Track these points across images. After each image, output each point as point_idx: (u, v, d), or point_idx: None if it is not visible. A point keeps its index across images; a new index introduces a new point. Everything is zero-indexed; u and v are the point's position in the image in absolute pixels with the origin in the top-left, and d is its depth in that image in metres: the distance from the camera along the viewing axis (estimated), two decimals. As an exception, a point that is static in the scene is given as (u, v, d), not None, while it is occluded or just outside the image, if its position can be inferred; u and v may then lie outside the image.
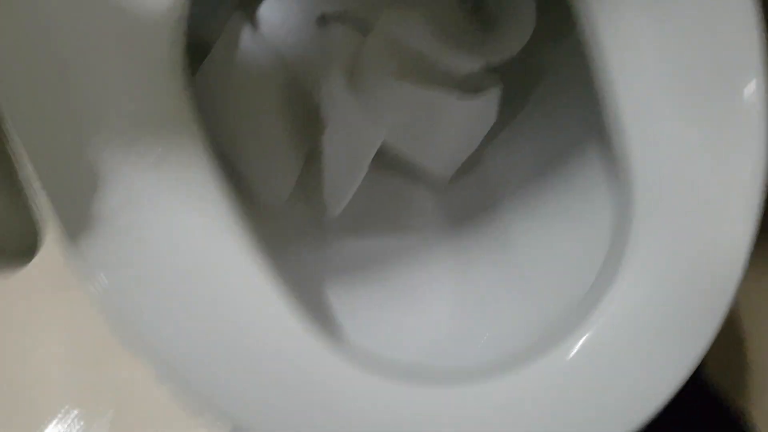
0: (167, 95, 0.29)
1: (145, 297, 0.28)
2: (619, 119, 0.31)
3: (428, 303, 0.41)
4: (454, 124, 0.41)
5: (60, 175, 0.28)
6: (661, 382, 0.30)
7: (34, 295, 0.62)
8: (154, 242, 0.28)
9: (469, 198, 0.45)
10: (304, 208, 0.44)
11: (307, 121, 0.42)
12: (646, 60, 0.30)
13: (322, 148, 0.41)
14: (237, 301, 0.29)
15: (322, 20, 0.42)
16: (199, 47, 0.38)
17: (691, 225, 0.30)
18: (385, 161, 0.43)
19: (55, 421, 0.57)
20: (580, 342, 0.30)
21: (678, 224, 0.30)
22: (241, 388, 0.29)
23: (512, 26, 0.39)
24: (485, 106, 0.40)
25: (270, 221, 0.42)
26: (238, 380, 0.29)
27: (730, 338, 0.56)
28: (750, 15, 0.31)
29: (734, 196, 0.29)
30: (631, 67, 0.30)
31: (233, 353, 0.29)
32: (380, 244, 0.44)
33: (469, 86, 0.43)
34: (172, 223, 0.28)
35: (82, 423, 0.57)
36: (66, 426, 0.56)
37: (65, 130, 0.28)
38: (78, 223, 0.28)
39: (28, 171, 0.28)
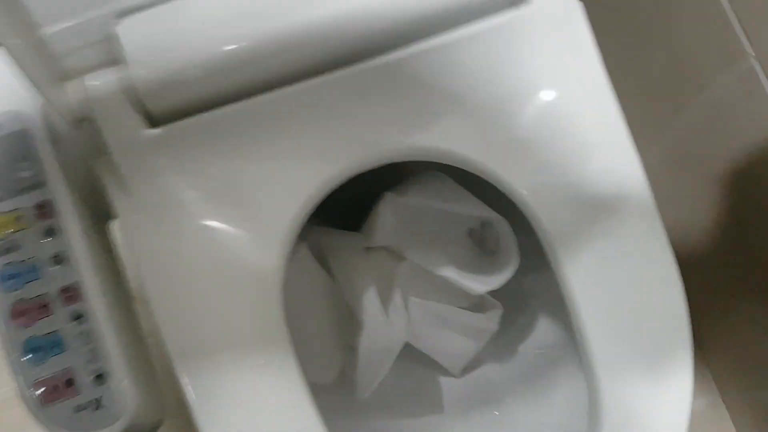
0: (272, 324, 0.42)
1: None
2: (589, 361, 0.43)
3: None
4: (463, 333, 0.54)
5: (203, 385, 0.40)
6: None
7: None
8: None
9: (476, 387, 0.57)
10: (347, 388, 0.55)
11: (349, 325, 0.55)
12: (603, 307, 0.44)
13: (357, 347, 0.53)
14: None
15: (366, 249, 0.56)
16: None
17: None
18: (413, 354, 0.55)
19: None
20: None
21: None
22: None
23: (503, 262, 0.53)
24: (488, 321, 0.53)
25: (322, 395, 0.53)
26: None
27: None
28: (673, 274, 0.44)
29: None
30: (593, 312, 0.44)
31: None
32: (406, 422, 0.55)
33: (476, 300, 0.56)
34: (274, 415, 0.40)
35: None
36: None
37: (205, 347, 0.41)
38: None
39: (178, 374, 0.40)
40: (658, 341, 0.42)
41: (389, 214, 0.54)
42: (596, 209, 0.44)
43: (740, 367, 0.72)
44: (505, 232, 0.53)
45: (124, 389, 0.39)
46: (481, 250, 0.56)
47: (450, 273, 0.54)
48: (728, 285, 0.68)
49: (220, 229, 0.43)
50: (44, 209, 0.41)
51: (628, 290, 0.43)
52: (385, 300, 0.54)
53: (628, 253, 0.44)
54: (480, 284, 0.54)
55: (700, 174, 0.67)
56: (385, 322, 0.53)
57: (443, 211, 0.55)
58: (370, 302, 0.53)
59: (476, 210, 0.54)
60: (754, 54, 0.53)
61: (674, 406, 0.41)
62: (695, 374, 0.42)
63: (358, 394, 0.54)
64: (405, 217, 0.55)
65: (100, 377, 0.39)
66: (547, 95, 0.44)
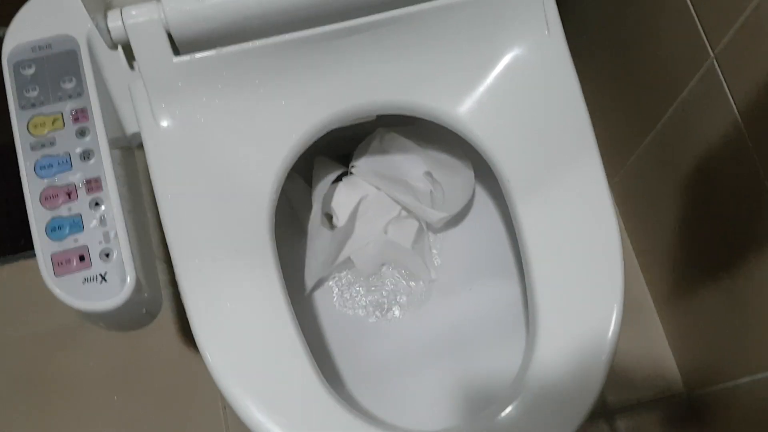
0: (261, 236, 0.49)
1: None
2: (531, 283, 0.49)
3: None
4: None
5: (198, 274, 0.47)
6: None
7: (83, 394, 0.78)
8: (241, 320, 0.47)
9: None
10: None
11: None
12: (547, 241, 0.50)
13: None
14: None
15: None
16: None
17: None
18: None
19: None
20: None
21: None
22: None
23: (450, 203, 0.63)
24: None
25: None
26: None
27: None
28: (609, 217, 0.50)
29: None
30: (538, 245, 0.50)
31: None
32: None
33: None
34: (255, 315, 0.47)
35: None
36: None
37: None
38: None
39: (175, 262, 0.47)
40: (593, 267, 0.48)
41: (373, 144, 0.64)
42: (548, 161, 0.51)
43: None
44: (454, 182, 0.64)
45: (127, 268, 0.46)
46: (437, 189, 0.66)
47: (408, 201, 0.63)
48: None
49: (227, 149, 0.51)
50: (79, 114, 0.48)
51: (570, 228, 0.49)
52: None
53: (572, 200, 0.50)
54: (433, 214, 0.63)
55: (673, 173, 0.73)
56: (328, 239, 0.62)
57: (415, 153, 0.64)
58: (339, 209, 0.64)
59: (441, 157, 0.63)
60: (713, 54, 0.60)
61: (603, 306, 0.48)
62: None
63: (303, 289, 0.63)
64: (385, 149, 0.65)
65: (108, 256, 0.46)
66: (515, 57, 0.52)
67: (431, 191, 0.65)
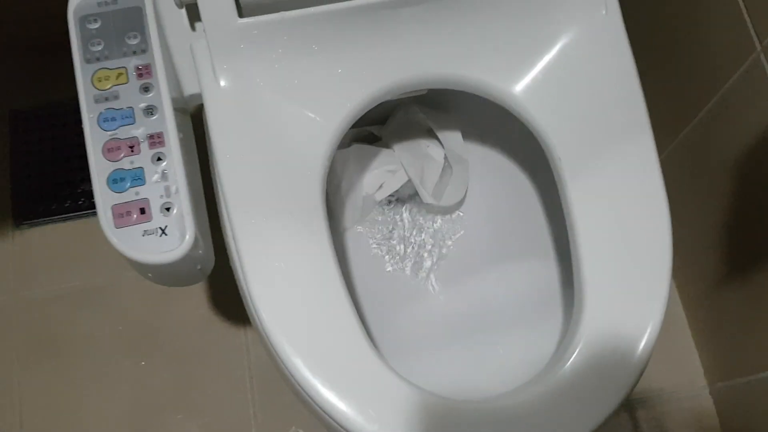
0: (313, 199, 0.50)
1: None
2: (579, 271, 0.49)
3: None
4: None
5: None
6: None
7: (108, 356, 0.79)
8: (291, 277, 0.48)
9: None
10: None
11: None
12: (597, 225, 0.50)
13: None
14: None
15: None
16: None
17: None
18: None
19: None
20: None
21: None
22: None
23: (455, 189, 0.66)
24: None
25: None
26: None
27: None
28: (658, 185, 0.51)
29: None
30: (588, 228, 0.50)
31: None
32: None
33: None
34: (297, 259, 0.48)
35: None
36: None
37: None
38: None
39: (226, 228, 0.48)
40: (641, 249, 0.49)
41: (401, 115, 0.68)
42: (601, 142, 0.52)
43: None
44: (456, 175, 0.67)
45: (187, 223, 0.46)
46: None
47: (413, 176, 0.66)
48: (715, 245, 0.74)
49: (284, 114, 0.51)
50: (143, 70, 0.49)
51: (620, 210, 0.50)
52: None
53: (624, 183, 0.50)
54: (425, 196, 0.66)
55: (709, 167, 0.73)
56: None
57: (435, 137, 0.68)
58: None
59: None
60: (759, 47, 0.61)
61: (648, 309, 0.48)
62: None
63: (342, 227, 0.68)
64: (412, 124, 0.68)
65: (168, 210, 0.47)
66: (571, 35, 0.52)
67: (441, 172, 0.68)
